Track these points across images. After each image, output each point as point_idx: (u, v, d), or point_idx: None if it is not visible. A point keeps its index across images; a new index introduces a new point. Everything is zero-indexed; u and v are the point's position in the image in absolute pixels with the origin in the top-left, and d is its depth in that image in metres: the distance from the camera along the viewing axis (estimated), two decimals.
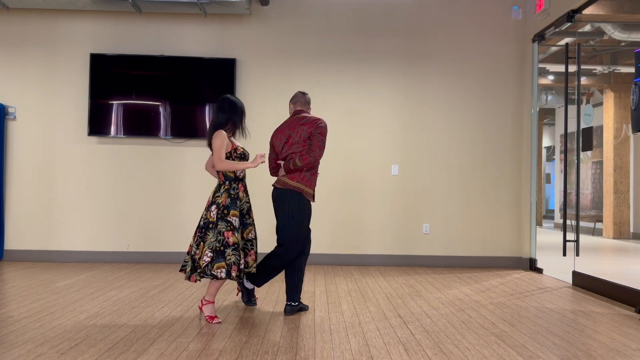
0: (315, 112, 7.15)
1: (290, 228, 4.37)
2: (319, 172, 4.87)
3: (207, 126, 6.98)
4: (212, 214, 4.11)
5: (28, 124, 7.20)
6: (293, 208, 4.36)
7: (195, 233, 4.16)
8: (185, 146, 7.21)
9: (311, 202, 4.52)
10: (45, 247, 7.14)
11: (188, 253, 4.17)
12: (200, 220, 4.19)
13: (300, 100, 4.58)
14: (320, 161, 7.11)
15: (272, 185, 4.54)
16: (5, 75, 7.20)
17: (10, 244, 7.15)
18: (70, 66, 7.21)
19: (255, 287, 4.77)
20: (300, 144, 4.39)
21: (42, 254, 7.13)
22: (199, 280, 4.09)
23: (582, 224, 10.81)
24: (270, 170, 4.65)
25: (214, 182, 7.18)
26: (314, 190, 4.49)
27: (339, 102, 7.25)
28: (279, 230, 4.42)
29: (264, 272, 4.47)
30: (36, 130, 7.19)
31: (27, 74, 7.20)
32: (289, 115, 7.13)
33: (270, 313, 4.43)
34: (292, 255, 4.40)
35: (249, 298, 4.63)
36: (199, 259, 4.06)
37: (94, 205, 7.18)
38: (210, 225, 4.09)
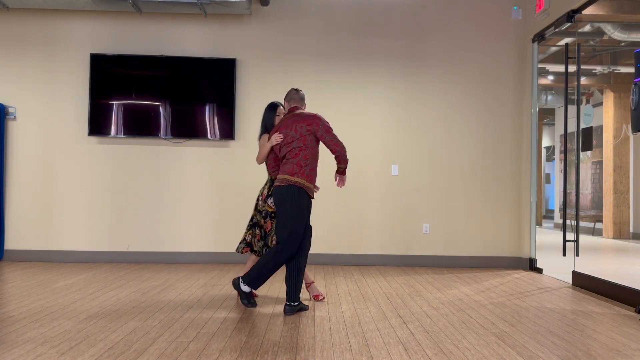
0: (315, 112, 7.15)
1: (289, 224, 4.37)
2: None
3: (208, 126, 7.12)
4: (272, 205, 4.81)
5: (28, 124, 7.20)
6: (293, 203, 4.36)
7: (263, 225, 4.88)
8: (185, 146, 7.21)
9: (311, 199, 4.51)
10: (45, 247, 7.14)
11: (247, 239, 4.95)
12: (257, 214, 4.88)
13: (294, 98, 4.60)
14: (320, 160, 7.14)
15: (275, 184, 4.52)
16: (5, 75, 7.20)
17: (10, 244, 7.15)
18: (70, 66, 7.21)
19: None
20: (301, 139, 4.40)
21: (42, 254, 7.13)
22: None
23: (582, 224, 10.81)
24: (269, 170, 4.66)
25: (213, 182, 7.19)
26: (314, 186, 4.50)
27: (339, 102, 7.25)
28: (277, 227, 4.45)
29: (260, 273, 4.42)
30: (36, 131, 7.19)
31: (27, 74, 7.20)
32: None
33: (270, 313, 4.43)
34: (291, 252, 4.39)
35: (248, 300, 4.62)
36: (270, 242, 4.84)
37: (94, 206, 7.18)
38: (273, 215, 4.81)
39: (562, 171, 10.44)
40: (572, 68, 6.14)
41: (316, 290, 4.96)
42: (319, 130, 4.42)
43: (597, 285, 5.45)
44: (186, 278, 6.00)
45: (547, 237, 11.03)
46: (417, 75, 7.29)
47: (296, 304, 4.42)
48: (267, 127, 4.89)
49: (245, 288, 4.49)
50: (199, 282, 5.78)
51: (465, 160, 7.27)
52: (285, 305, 4.42)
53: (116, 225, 7.17)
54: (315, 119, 4.43)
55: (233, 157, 7.20)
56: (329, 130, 4.43)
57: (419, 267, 7.09)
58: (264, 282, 4.50)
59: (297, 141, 4.41)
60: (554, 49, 8.85)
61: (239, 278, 4.53)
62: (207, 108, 7.13)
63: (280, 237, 4.41)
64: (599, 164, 10.78)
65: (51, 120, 7.20)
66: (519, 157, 7.27)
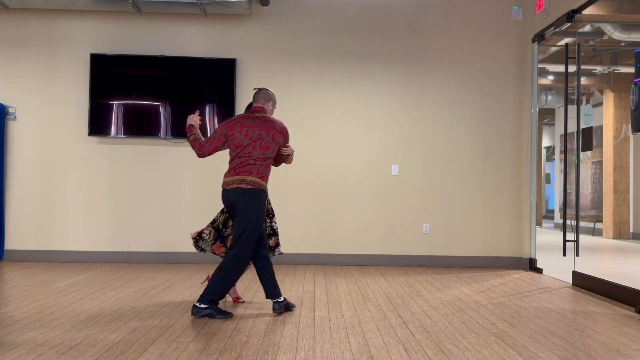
0: (315, 112, 7.17)
1: (252, 228, 4.25)
2: None
3: (208, 126, 7.10)
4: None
5: (28, 124, 7.20)
6: (260, 208, 4.30)
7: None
8: (185, 146, 7.21)
9: None
10: (45, 247, 7.14)
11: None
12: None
13: (255, 97, 4.45)
14: (321, 161, 7.17)
15: (232, 186, 4.27)
16: (5, 75, 7.20)
17: (10, 244, 7.15)
18: (70, 66, 7.21)
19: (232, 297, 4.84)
20: (275, 150, 4.36)
21: (42, 254, 7.13)
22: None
23: (582, 224, 10.81)
24: (202, 153, 4.31)
25: (213, 182, 7.19)
26: None
27: (339, 102, 7.25)
28: (239, 230, 4.25)
29: (223, 283, 4.21)
30: (36, 131, 7.19)
31: (27, 74, 7.20)
32: (285, 116, 7.15)
33: (270, 313, 4.43)
34: (248, 255, 4.28)
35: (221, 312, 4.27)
36: None
37: (94, 205, 7.18)
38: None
39: (562, 171, 10.44)
40: (572, 68, 6.14)
41: (236, 293, 4.87)
42: (284, 144, 4.44)
43: (597, 285, 5.46)
44: (186, 278, 6.00)
45: (547, 237, 11.03)
46: (417, 75, 7.29)
47: (282, 299, 4.39)
48: None
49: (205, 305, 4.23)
50: (199, 282, 5.78)
51: (465, 160, 7.27)
52: (273, 303, 4.40)
53: (116, 225, 7.17)
54: (287, 133, 4.44)
55: None
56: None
57: (419, 267, 7.09)
58: (227, 291, 4.27)
59: (272, 151, 4.34)
60: (554, 49, 8.85)
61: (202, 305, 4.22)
62: (207, 108, 7.13)
63: (236, 241, 4.27)
64: (599, 164, 10.78)
65: (51, 120, 7.19)
66: (519, 157, 7.27)
